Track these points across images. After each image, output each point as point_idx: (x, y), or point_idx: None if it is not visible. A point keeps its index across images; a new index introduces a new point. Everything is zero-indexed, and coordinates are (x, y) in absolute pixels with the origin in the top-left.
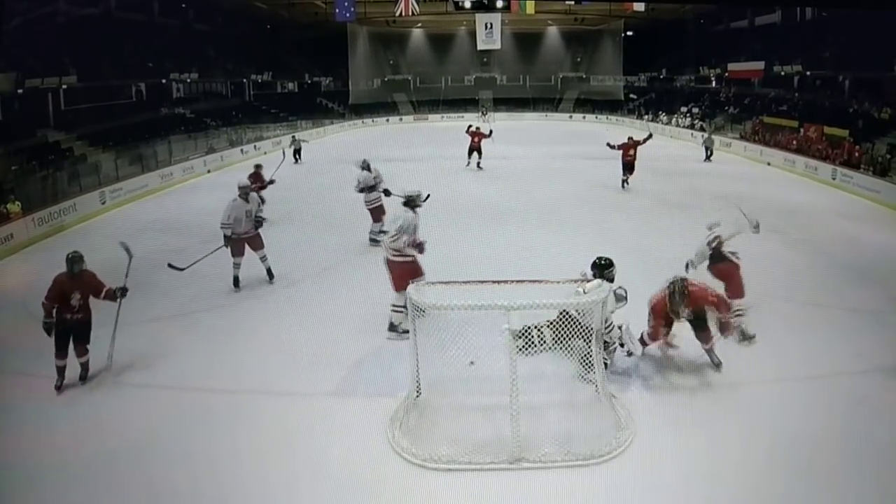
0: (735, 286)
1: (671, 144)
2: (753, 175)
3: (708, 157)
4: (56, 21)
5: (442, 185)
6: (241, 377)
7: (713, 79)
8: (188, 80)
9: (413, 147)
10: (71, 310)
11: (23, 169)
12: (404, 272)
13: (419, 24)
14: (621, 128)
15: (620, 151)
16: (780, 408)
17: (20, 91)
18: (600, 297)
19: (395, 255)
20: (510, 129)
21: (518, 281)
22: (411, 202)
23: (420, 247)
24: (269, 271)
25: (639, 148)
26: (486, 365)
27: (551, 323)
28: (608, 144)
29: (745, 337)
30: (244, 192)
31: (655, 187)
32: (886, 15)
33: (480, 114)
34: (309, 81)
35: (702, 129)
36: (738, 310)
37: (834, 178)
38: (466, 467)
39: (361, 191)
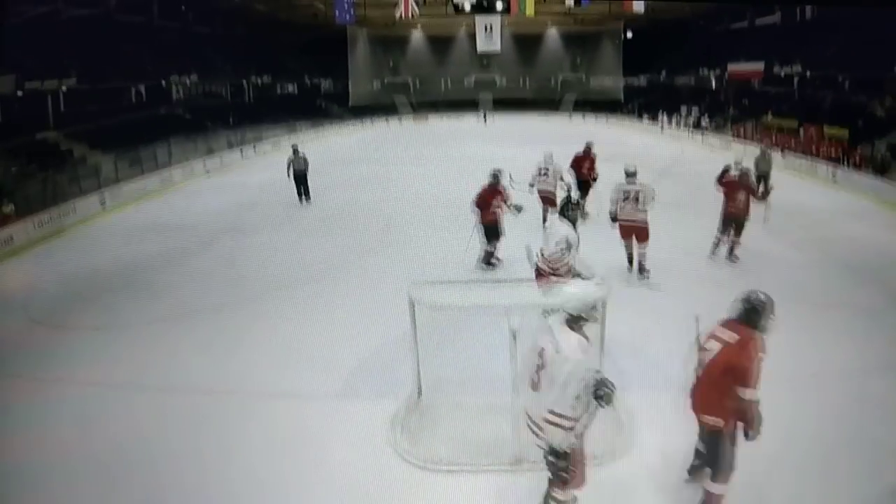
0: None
1: (671, 144)
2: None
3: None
4: (56, 23)
5: (442, 186)
6: (242, 379)
7: (713, 80)
8: (188, 82)
9: (413, 148)
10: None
11: (22, 171)
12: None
13: (419, 27)
14: (622, 129)
15: (722, 191)
16: (781, 407)
17: (20, 93)
18: (600, 294)
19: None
20: (510, 131)
21: (518, 280)
22: (634, 174)
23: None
24: None
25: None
26: (486, 365)
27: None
28: (722, 175)
29: None
30: None
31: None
32: (886, 14)
33: (481, 116)
34: (309, 83)
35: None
36: None
37: (834, 178)
38: (467, 468)
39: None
